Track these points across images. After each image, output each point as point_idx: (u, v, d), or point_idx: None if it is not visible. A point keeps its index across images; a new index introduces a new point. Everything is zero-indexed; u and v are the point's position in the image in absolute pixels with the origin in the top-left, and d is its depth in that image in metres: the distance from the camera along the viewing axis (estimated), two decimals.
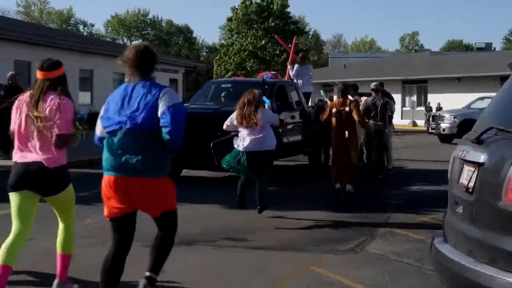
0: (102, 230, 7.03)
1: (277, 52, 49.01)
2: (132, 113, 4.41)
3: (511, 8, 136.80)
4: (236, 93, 11.78)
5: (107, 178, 4.51)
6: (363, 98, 15.28)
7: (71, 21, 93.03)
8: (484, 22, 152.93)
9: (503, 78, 35.09)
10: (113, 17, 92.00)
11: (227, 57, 51.65)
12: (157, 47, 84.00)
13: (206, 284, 5.91)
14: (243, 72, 48.04)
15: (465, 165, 4.16)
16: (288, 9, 51.76)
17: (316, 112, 14.91)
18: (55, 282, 5.24)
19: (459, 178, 4.22)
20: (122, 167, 4.43)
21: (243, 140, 8.86)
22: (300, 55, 16.92)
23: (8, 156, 15.15)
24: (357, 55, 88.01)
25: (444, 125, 25.31)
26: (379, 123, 13.53)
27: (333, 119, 10.66)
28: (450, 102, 33.34)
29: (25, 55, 22.91)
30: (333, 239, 7.88)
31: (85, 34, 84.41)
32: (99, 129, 4.64)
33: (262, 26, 49.71)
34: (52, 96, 4.91)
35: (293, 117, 13.81)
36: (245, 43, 50.38)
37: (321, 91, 18.26)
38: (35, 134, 4.88)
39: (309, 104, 16.40)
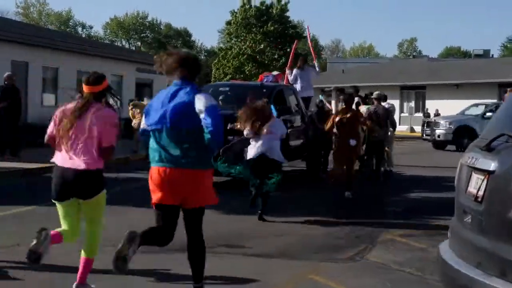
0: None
1: (276, 56, 48.88)
2: (170, 113, 4.88)
3: (509, 15, 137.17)
4: (233, 97, 11.66)
5: (156, 168, 4.95)
6: (364, 107, 15.14)
7: (70, 23, 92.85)
8: (482, 29, 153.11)
9: (501, 85, 35.21)
10: (112, 19, 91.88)
11: (225, 60, 51.43)
12: (156, 50, 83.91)
13: None
14: (242, 76, 47.85)
15: (473, 173, 4.00)
16: (288, 14, 51.61)
17: (317, 113, 14.97)
18: (75, 285, 5.36)
19: (467, 187, 4.06)
20: (167, 160, 4.90)
21: (254, 147, 9.27)
22: (300, 59, 16.70)
23: (15, 158, 15.24)
24: (355, 60, 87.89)
25: (439, 131, 25.26)
26: (380, 132, 13.64)
27: (336, 127, 11.14)
28: (448, 109, 33.24)
29: (23, 56, 22.78)
30: (332, 246, 7.73)
31: (83, 36, 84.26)
32: (142, 123, 5.18)
33: (261, 30, 49.49)
34: (96, 108, 5.25)
35: (291, 122, 13.67)
36: (243, 47, 50.19)
37: (320, 95, 18.10)
38: (77, 142, 5.18)
39: (310, 108, 16.26)
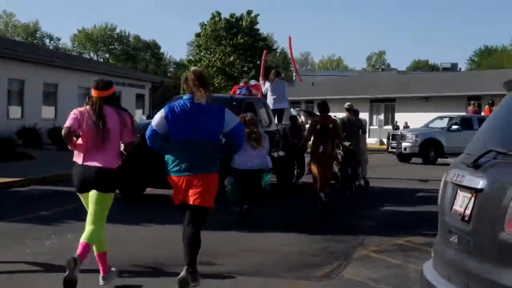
0: (62, 253, 6.58)
1: (246, 68, 48.76)
2: (201, 129, 5.83)
3: (475, 30, 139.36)
4: None
5: (180, 178, 5.86)
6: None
7: (37, 35, 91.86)
8: (449, 43, 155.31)
9: (470, 98, 35.49)
10: (80, 31, 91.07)
11: None
12: (124, 62, 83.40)
13: None
14: (211, 88, 47.63)
15: (459, 191, 3.81)
16: (257, 26, 51.52)
17: (291, 127, 15.03)
18: (101, 276, 5.96)
19: (452, 205, 3.87)
20: (190, 169, 5.82)
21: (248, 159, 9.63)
22: (272, 72, 16.36)
23: None
24: (324, 73, 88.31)
25: (405, 144, 25.33)
26: (351, 142, 13.91)
27: (315, 135, 11.87)
28: (418, 121, 33.36)
29: None
30: (307, 263, 7.50)
31: (51, 48, 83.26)
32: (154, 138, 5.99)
33: (230, 42, 49.37)
34: (113, 110, 5.87)
35: None
36: (213, 59, 49.99)
37: (292, 109, 17.95)
38: (98, 141, 5.74)
39: (284, 119, 16.08)
